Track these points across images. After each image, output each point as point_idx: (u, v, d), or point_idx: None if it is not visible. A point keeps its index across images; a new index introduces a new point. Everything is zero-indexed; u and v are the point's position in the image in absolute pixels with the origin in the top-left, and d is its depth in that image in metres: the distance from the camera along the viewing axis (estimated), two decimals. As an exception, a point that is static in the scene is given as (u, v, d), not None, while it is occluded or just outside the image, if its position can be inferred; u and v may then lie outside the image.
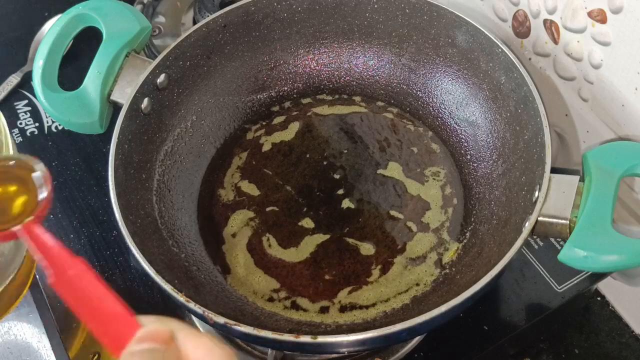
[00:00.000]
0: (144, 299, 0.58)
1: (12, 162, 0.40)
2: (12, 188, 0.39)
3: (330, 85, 0.65)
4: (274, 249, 0.55)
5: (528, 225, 0.46)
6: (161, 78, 0.56)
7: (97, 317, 0.29)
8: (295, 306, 0.53)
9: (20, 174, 0.39)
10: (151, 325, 0.29)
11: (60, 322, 0.57)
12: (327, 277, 0.54)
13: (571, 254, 0.45)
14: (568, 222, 0.46)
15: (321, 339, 0.42)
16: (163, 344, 0.28)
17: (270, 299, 0.53)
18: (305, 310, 0.52)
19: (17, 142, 0.69)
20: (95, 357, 0.56)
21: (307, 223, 0.57)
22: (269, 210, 0.58)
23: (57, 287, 0.30)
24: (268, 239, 0.56)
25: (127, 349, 0.28)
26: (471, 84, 0.59)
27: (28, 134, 0.70)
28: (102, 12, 0.57)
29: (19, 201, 0.38)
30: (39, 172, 0.39)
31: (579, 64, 0.54)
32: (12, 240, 0.36)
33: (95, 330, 0.29)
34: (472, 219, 0.56)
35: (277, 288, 0.53)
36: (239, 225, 0.57)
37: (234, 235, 0.57)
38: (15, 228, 0.35)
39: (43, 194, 0.37)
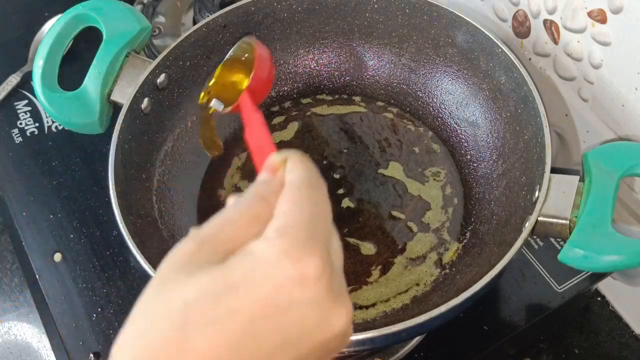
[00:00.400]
0: (144, 299, 0.58)
1: (242, 48, 0.48)
2: (240, 72, 0.48)
3: (330, 85, 0.65)
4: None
5: (528, 225, 0.46)
6: (161, 78, 0.56)
7: (258, 152, 0.35)
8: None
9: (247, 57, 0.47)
10: (272, 156, 0.33)
11: (60, 322, 0.57)
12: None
13: (571, 254, 0.45)
14: (568, 222, 0.46)
15: (321, 339, 0.42)
16: (272, 173, 0.32)
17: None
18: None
19: (17, 142, 0.69)
20: (95, 357, 0.56)
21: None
22: (269, 210, 0.58)
23: (247, 136, 0.38)
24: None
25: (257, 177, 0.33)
26: (471, 84, 0.59)
27: (28, 134, 0.70)
28: (102, 12, 0.57)
29: (245, 82, 0.47)
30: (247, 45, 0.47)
31: (579, 64, 0.54)
32: (238, 112, 0.44)
33: (255, 160, 0.35)
34: (472, 219, 0.56)
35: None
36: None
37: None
38: (234, 105, 0.45)
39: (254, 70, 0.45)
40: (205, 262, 0.28)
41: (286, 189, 0.30)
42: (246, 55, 0.48)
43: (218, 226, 0.29)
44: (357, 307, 0.52)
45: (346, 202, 0.58)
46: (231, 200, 0.32)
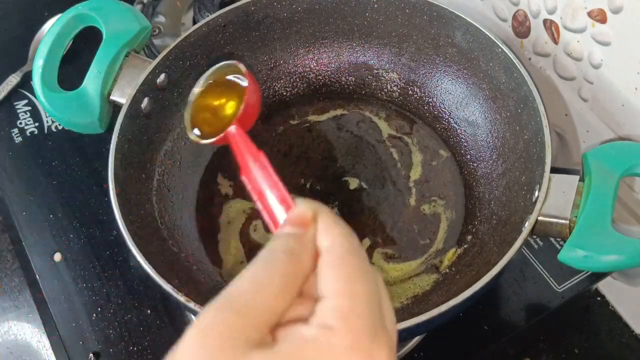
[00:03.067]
0: (144, 299, 0.58)
1: (225, 72, 0.44)
2: (225, 97, 0.44)
3: (330, 85, 0.65)
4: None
5: (528, 225, 0.45)
6: (161, 78, 0.56)
7: (266, 201, 0.33)
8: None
9: (232, 82, 0.44)
10: (298, 208, 0.30)
11: (60, 322, 0.57)
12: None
13: (571, 253, 0.45)
14: (568, 222, 0.46)
15: (321, 338, 0.42)
16: (301, 228, 0.28)
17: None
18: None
19: (17, 141, 0.69)
20: (95, 357, 0.56)
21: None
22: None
23: (244, 177, 0.35)
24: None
25: (277, 231, 0.30)
26: (471, 83, 0.59)
27: (28, 134, 0.70)
28: (102, 12, 0.57)
29: (230, 108, 0.43)
30: (234, 75, 0.44)
31: (579, 64, 0.54)
32: (224, 143, 0.41)
33: (264, 210, 0.33)
34: (472, 219, 0.56)
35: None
36: (236, 226, 0.57)
37: (230, 238, 0.57)
38: (219, 136, 0.41)
39: (243, 102, 0.41)
40: (249, 340, 0.25)
41: (330, 258, 0.27)
42: (232, 79, 0.44)
43: (251, 290, 0.26)
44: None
45: (346, 202, 0.58)
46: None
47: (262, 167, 0.35)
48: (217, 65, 0.45)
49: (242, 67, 0.43)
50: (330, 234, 0.28)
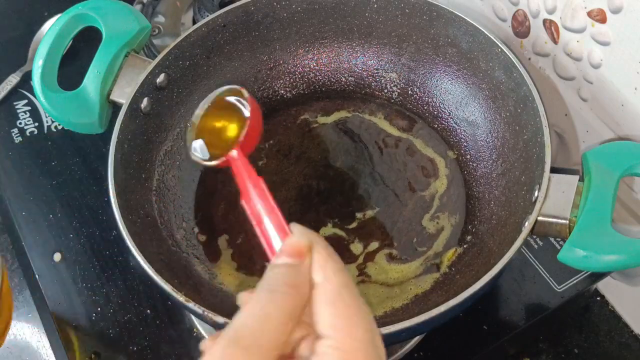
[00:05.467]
0: (144, 299, 0.58)
1: (227, 95, 0.45)
2: (227, 120, 0.45)
3: (330, 85, 0.65)
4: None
5: (527, 225, 0.46)
6: (161, 78, 0.56)
7: (264, 227, 0.34)
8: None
9: (234, 105, 0.44)
10: (294, 237, 0.30)
11: (60, 322, 0.57)
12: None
13: (571, 253, 0.45)
14: (567, 221, 0.46)
15: (321, 338, 0.42)
16: (297, 258, 0.29)
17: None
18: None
19: (16, 141, 0.69)
20: (95, 357, 0.56)
21: (307, 222, 0.57)
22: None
23: (244, 201, 0.36)
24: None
25: (271, 261, 0.30)
26: (471, 83, 0.59)
27: (28, 134, 0.70)
28: (102, 12, 0.57)
29: (232, 131, 0.44)
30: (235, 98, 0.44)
31: (578, 64, 0.54)
32: (225, 167, 0.41)
33: (262, 236, 0.34)
34: (472, 219, 0.56)
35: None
36: (236, 225, 0.57)
37: (230, 237, 0.57)
38: (221, 160, 0.42)
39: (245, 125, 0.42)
40: None
41: (325, 293, 0.28)
42: (234, 102, 0.45)
43: (257, 326, 0.27)
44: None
45: (345, 203, 0.58)
46: (244, 297, 0.29)
47: (261, 193, 0.35)
48: (220, 89, 0.46)
49: (245, 92, 0.44)
50: (324, 268, 0.29)
